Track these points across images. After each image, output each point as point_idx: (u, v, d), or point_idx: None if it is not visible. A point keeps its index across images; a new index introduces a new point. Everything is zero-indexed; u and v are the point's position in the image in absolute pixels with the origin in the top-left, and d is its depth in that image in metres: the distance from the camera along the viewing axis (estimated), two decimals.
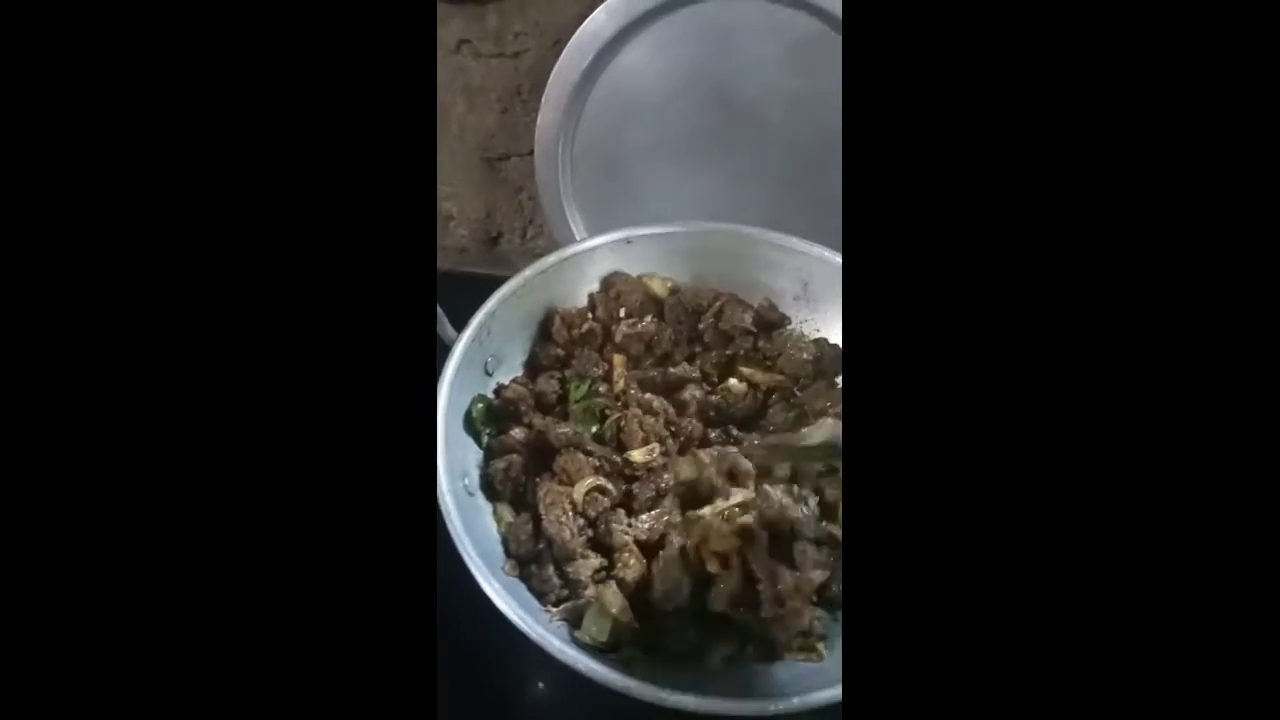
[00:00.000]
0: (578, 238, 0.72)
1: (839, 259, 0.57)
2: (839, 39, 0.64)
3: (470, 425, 0.51)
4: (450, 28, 0.65)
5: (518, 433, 0.50)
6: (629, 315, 0.57)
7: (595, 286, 0.58)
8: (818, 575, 0.41)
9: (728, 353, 0.56)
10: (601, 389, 0.53)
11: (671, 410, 0.51)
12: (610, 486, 0.47)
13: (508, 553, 0.47)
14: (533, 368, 0.55)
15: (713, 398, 0.53)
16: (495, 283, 0.53)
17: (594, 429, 0.50)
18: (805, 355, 0.55)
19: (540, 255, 0.56)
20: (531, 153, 0.70)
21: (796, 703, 0.38)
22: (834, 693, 0.39)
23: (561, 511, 0.46)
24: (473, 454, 0.50)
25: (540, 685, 0.51)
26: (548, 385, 0.53)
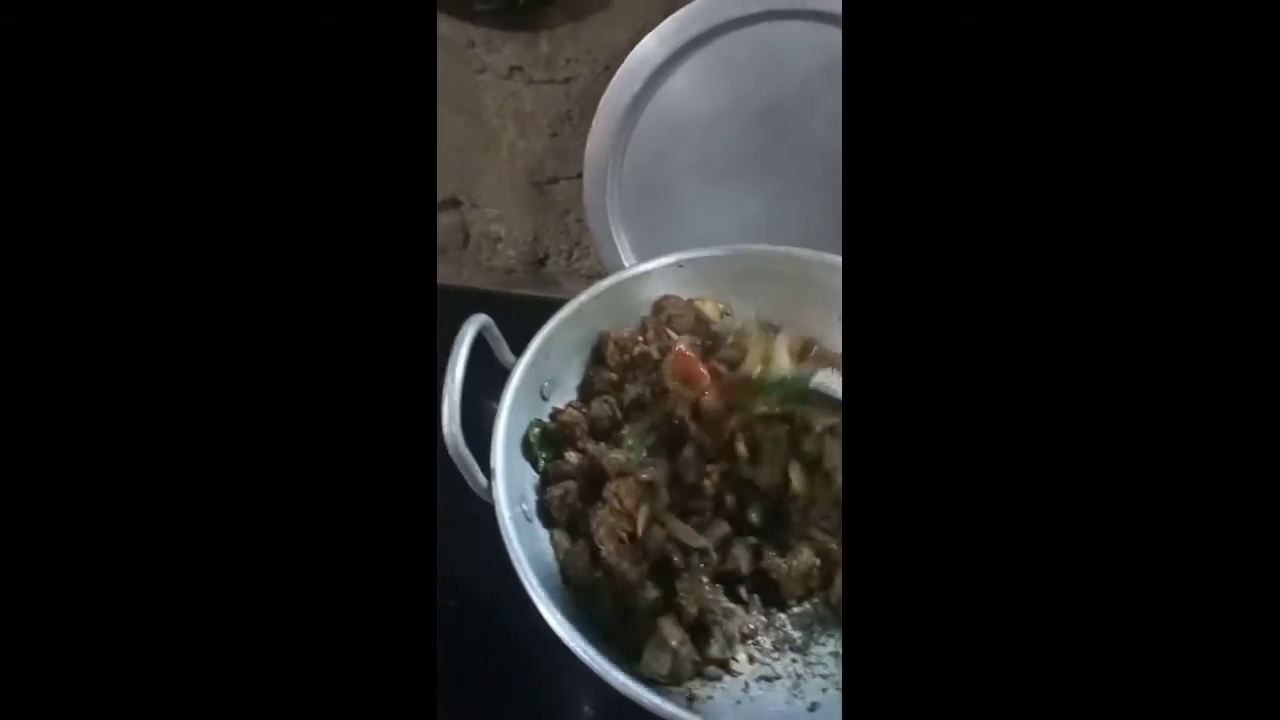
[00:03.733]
0: (623, 259, 0.72)
1: None
2: None
3: (528, 449, 0.51)
4: (503, 54, 0.66)
5: (572, 457, 0.50)
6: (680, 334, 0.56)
7: (647, 310, 0.58)
8: None
9: None
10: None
11: None
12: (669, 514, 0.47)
13: (565, 580, 0.46)
14: (586, 392, 0.55)
15: None
16: (542, 304, 0.53)
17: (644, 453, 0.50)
18: None
19: (586, 277, 0.56)
20: (580, 176, 0.70)
21: None
22: None
23: (617, 542, 0.45)
24: (529, 478, 0.50)
25: (587, 709, 0.50)
26: (601, 410, 0.52)
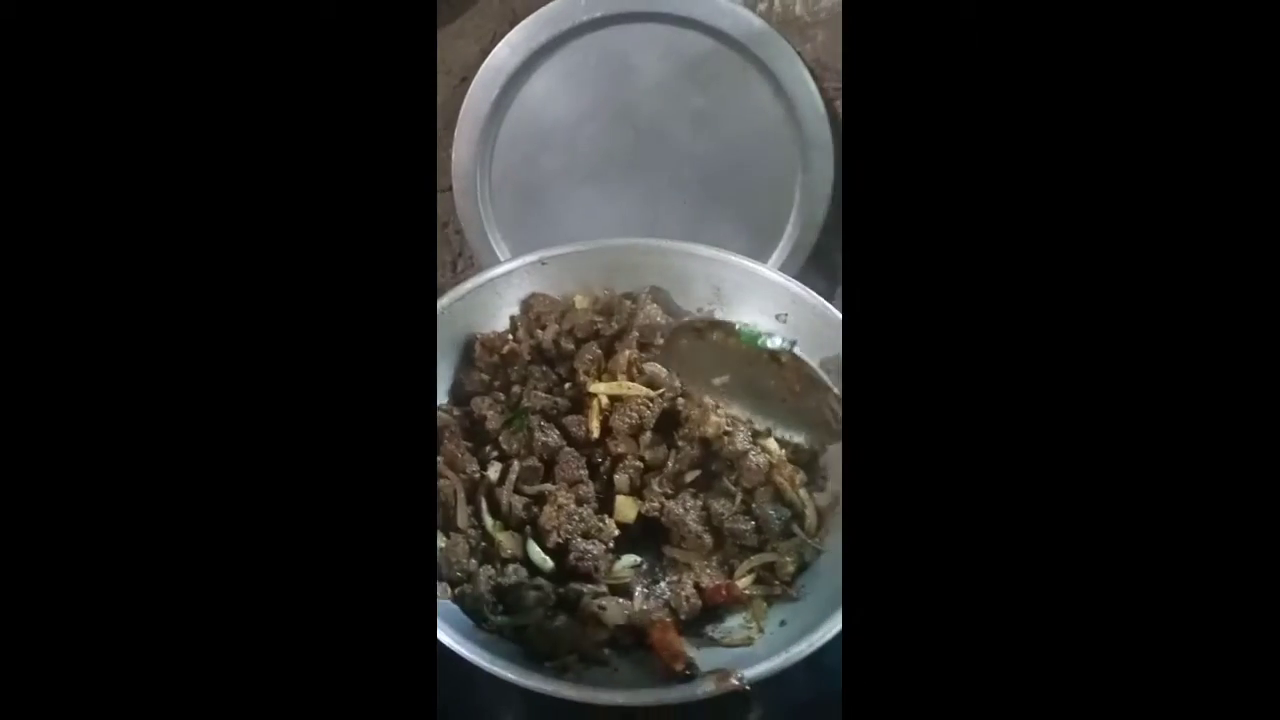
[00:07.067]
0: None
1: (747, 263, 0.60)
2: (733, 55, 0.67)
3: None
4: None
5: (440, 457, 0.51)
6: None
7: (516, 309, 0.60)
8: None
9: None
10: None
11: None
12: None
13: (439, 577, 0.48)
14: (458, 394, 0.56)
15: None
16: None
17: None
18: None
19: None
20: (451, 188, 0.72)
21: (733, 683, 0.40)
22: (762, 668, 0.41)
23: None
24: None
25: None
26: (493, 411, 0.54)
